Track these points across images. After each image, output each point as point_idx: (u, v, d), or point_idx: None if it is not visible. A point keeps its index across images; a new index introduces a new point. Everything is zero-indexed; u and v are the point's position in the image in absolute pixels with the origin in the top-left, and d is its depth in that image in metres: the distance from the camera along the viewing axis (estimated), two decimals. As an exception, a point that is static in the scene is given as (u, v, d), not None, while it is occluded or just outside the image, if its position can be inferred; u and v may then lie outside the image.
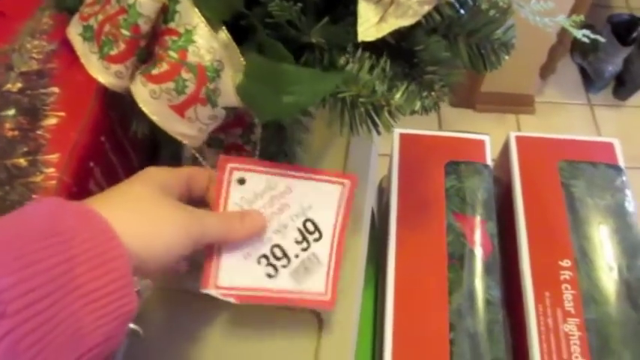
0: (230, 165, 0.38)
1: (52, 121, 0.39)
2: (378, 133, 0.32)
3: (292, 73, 0.31)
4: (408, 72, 0.34)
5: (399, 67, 0.33)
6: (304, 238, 0.40)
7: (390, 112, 0.31)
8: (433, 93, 0.33)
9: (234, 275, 0.38)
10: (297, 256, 0.39)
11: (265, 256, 0.39)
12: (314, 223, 0.40)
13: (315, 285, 0.40)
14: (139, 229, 0.29)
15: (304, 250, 0.40)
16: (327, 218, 0.41)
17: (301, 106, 0.32)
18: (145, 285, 0.29)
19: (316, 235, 0.40)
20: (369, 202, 0.53)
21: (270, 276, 0.39)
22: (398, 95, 0.31)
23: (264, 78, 0.31)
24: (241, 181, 0.39)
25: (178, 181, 0.34)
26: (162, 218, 0.31)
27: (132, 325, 0.31)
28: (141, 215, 0.30)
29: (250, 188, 0.39)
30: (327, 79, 0.32)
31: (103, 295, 0.26)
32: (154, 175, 0.33)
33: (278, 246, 0.39)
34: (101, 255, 0.26)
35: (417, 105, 0.32)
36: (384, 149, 0.60)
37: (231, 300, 0.37)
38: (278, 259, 0.39)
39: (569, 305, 0.48)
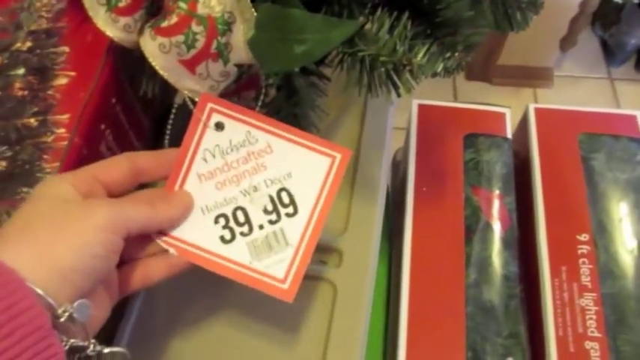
0: (210, 104, 0.34)
1: (62, 81, 0.38)
2: (398, 95, 0.31)
3: (304, 20, 0.29)
4: (429, 33, 0.32)
5: (420, 27, 0.32)
6: (275, 209, 0.35)
7: (411, 73, 0.30)
8: (456, 54, 0.32)
9: (184, 226, 0.34)
10: (261, 227, 0.35)
11: (225, 217, 0.35)
12: (290, 195, 0.35)
13: (274, 267, 0.35)
14: (48, 248, 0.28)
15: (272, 223, 0.35)
16: (307, 194, 0.35)
17: (313, 55, 0.30)
18: (80, 306, 0.27)
19: (290, 209, 0.35)
20: (384, 174, 0.52)
21: (224, 240, 0.34)
22: (420, 55, 0.30)
23: (274, 26, 0.29)
24: (219, 126, 0.35)
25: (80, 181, 0.31)
26: (63, 225, 0.28)
27: (119, 349, 0.30)
28: (46, 232, 0.28)
29: (227, 137, 0.35)
30: (340, 26, 0.30)
31: (19, 352, 0.24)
32: (46, 188, 0.31)
33: (242, 209, 0.35)
34: (6, 311, 0.24)
35: (440, 66, 0.31)
36: (398, 123, 0.59)
37: (172, 251, 0.34)
38: (239, 224, 0.35)
39: (585, 280, 0.47)
